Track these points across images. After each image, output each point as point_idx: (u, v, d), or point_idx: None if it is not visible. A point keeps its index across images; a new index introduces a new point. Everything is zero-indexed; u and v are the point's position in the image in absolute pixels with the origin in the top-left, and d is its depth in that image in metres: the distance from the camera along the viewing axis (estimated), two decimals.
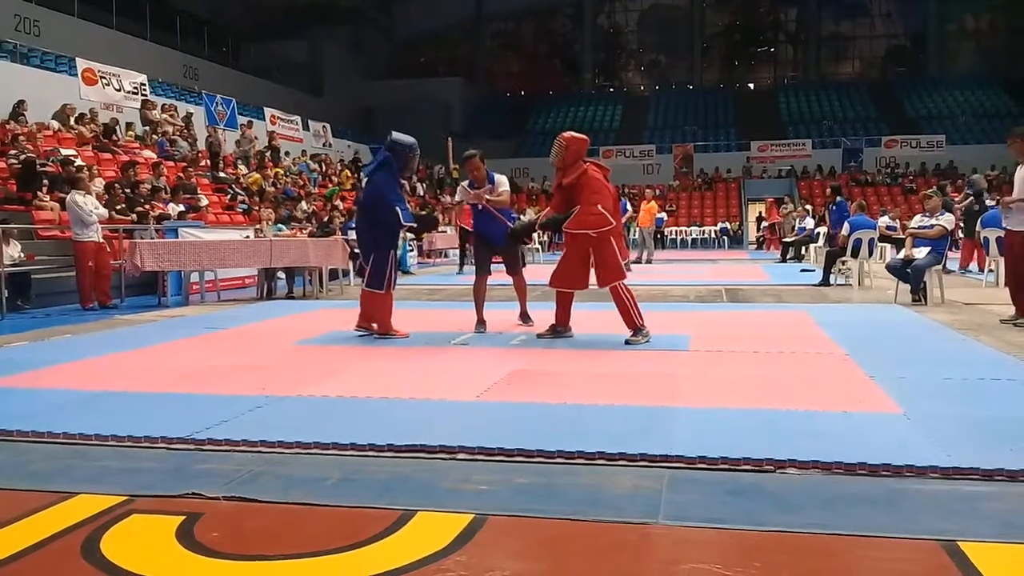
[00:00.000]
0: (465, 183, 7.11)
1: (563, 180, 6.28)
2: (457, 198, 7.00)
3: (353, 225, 9.75)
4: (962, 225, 13.22)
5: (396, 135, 6.84)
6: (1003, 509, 2.67)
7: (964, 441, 3.37)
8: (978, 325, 7.03)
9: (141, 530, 2.59)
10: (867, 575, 2.22)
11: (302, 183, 20.33)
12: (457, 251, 15.74)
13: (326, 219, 14.97)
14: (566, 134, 6.31)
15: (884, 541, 2.39)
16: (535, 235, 6.84)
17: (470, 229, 7.83)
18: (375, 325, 6.71)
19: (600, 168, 6.37)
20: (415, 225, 6.88)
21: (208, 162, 17.64)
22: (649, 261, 18.11)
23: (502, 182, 7.00)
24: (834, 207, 14.12)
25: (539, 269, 8.48)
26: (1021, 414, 3.84)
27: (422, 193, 26.09)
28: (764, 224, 26.88)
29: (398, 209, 6.47)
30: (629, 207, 19.43)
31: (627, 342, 6.10)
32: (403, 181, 7.00)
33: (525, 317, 7.31)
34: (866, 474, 2.99)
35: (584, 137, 6.38)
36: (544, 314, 6.94)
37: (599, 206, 6.03)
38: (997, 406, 4.05)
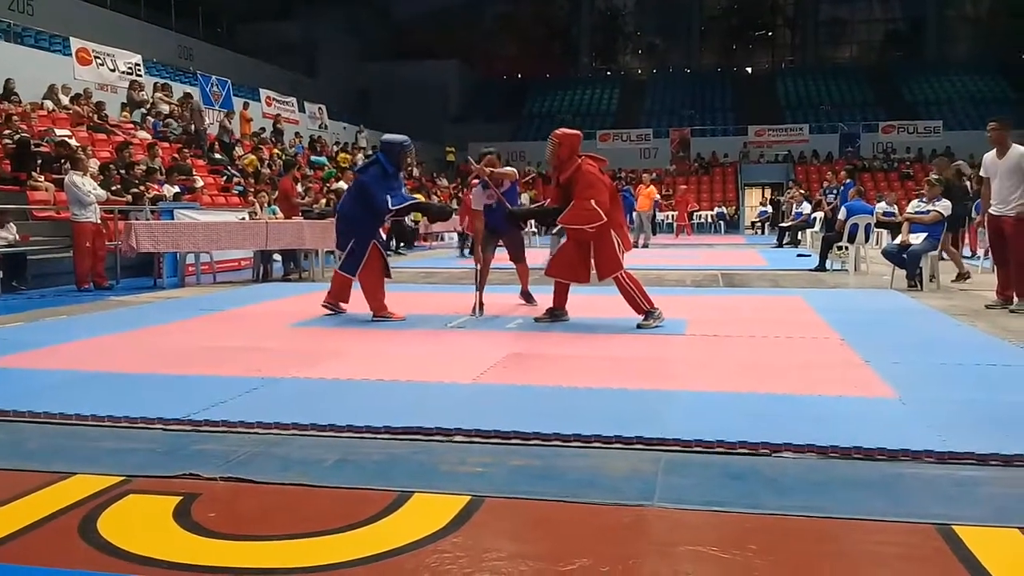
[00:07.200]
0: (479, 186, 7.15)
1: (560, 177, 6.28)
2: (474, 205, 7.09)
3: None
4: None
5: (386, 136, 7.17)
6: (998, 493, 2.68)
7: (959, 426, 3.38)
8: (973, 310, 7.06)
9: (138, 510, 2.60)
10: (862, 558, 2.23)
11: (298, 165, 20.21)
12: (455, 235, 15.63)
13: (323, 201, 14.91)
14: (558, 131, 6.31)
15: (879, 525, 2.40)
16: (531, 222, 6.85)
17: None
18: (343, 305, 7.02)
19: (596, 161, 6.35)
20: (404, 207, 6.90)
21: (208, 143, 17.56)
22: (646, 245, 18.11)
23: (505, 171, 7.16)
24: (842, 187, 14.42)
25: (538, 253, 8.47)
26: (1016, 399, 3.86)
27: (418, 175, 25.99)
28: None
29: (388, 197, 6.64)
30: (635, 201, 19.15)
31: (639, 326, 6.09)
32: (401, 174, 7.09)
33: (528, 297, 7.47)
34: (861, 458, 3.01)
35: (576, 132, 6.37)
36: (542, 298, 6.94)
37: (592, 201, 6.00)
38: (992, 391, 4.06)
